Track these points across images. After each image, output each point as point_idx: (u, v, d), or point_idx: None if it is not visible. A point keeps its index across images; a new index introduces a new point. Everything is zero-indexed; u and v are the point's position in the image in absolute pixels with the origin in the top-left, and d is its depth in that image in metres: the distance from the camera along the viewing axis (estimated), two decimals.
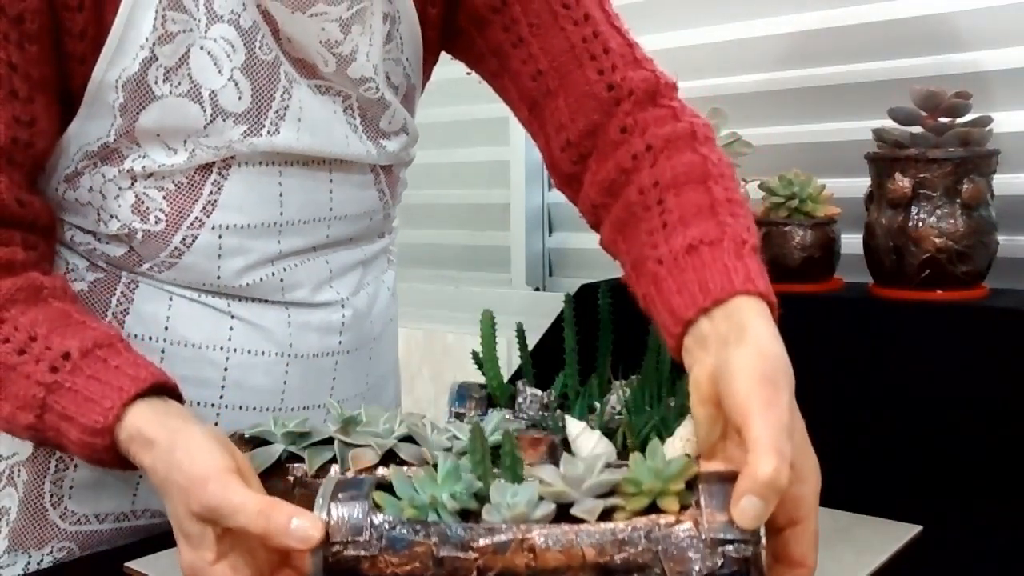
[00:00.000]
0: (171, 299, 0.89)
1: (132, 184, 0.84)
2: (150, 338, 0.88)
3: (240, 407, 0.91)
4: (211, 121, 0.83)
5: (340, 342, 0.96)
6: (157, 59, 0.81)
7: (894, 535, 0.83)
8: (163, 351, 0.88)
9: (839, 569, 0.77)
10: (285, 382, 0.93)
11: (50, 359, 0.75)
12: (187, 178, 0.85)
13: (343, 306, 0.96)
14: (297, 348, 0.93)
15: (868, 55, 1.34)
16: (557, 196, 1.71)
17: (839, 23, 1.35)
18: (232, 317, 0.90)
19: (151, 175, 0.84)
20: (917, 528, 0.85)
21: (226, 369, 0.90)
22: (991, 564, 0.82)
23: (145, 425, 0.72)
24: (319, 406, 0.95)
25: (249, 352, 0.91)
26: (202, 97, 0.83)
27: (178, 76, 0.82)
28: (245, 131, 0.85)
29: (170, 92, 0.82)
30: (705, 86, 1.47)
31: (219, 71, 0.83)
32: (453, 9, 0.95)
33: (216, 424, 0.90)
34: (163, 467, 0.70)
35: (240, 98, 0.84)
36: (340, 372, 0.97)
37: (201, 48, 0.82)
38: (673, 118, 0.87)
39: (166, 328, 0.88)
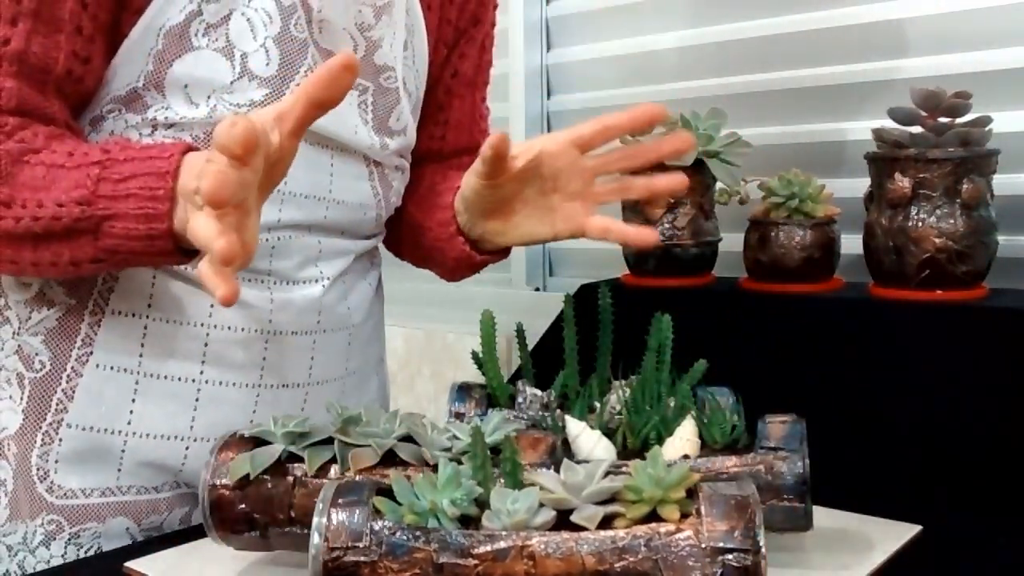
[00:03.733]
0: (155, 276, 0.91)
1: (152, 132, 0.89)
2: (133, 315, 0.91)
3: (220, 383, 0.93)
4: (238, 78, 0.88)
5: (319, 321, 0.99)
6: (202, 14, 0.87)
7: (894, 535, 0.84)
8: (146, 327, 0.91)
9: (839, 569, 0.77)
10: (264, 358, 0.95)
11: (99, 148, 0.81)
12: (204, 133, 0.89)
13: (324, 285, 0.99)
14: (277, 325, 0.95)
15: (868, 55, 1.33)
16: None
17: (839, 23, 1.35)
18: None
19: (172, 126, 0.88)
20: (917, 528, 0.85)
21: (206, 344, 0.92)
22: (991, 564, 0.82)
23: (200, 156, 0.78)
24: (299, 385, 0.98)
25: (229, 328, 0.93)
26: (234, 56, 0.88)
27: (217, 33, 0.87)
28: (267, 94, 0.89)
29: (207, 45, 0.87)
30: (705, 86, 1.47)
31: (254, 37, 0.89)
32: (447, 70, 1.11)
33: (197, 400, 0.93)
34: None
35: (268, 64, 0.89)
36: (318, 351, 1.00)
37: (242, 14, 0.88)
38: None
39: (149, 305, 0.91)
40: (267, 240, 0.93)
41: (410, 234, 1.11)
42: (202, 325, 0.92)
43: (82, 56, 0.85)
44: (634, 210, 1.28)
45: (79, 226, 0.79)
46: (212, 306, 0.92)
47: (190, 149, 0.80)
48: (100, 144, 0.83)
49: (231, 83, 0.88)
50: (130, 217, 0.78)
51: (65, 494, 0.90)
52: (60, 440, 0.90)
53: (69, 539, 0.90)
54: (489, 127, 1.19)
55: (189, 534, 0.89)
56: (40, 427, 0.90)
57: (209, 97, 0.88)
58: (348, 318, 1.03)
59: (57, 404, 0.90)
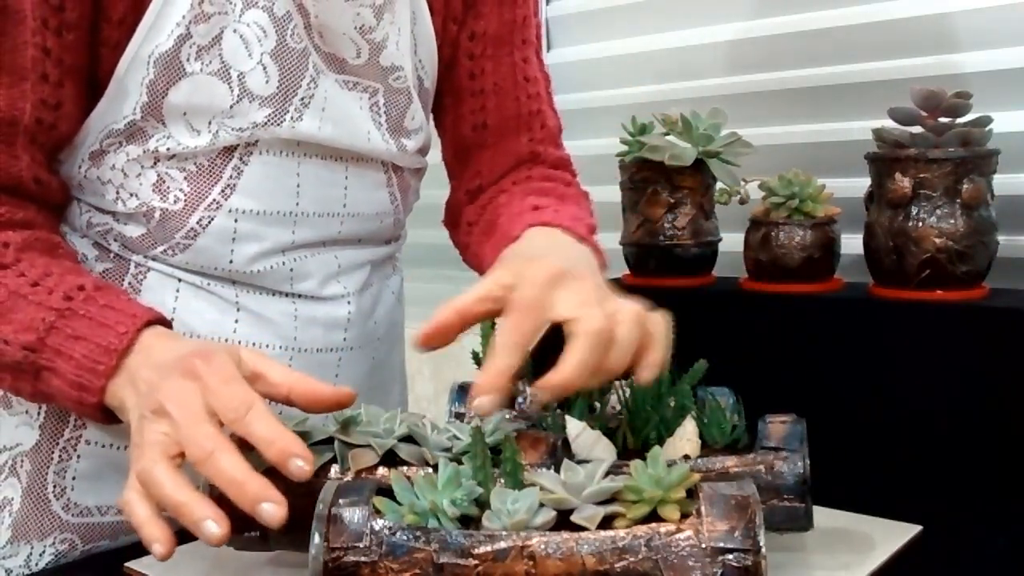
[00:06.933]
0: (178, 290, 0.90)
1: (155, 164, 0.86)
2: None
3: None
4: (237, 101, 0.85)
5: (344, 339, 0.97)
6: (191, 37, 0.83)
7: (894, 535, 0.84)
8: None
9: (839, 569, 0.77)
10: None
11: (64, 289, 0.79)
12: (208, 160, 0.87)
13: (349, 302, 0.97)
14: (302, 342, 0.94)
15: (868, 55, 1.33)
16: None
17: (839, 23, 1.35)
18: (238, 309, 0.91)
19: (174, 156, 0.86)
20: (917, 528, 0.85)
21: None
22: (991, 564, 0.82)
23: (157, 340, 0.76)
24: None
25: (253, 344, 0.91)
26: (231, 77, 0.85)
27: (210, 55, 0.84)
28: (269, 115, 0.87)
29: (201, 70, 0.84)
30: (705, 86, 1.47)
31: (249, 54, 0.85)
32: (463, 33, 1.04)
33: None
34: (198, 343, 0.75)
35: (267, 82, 0.86)
36: (343, 369, 0.98)
37: (234, 31, 0.85)
38: (564, 183, 1.07)
39: (172, 319, 0.88)
40: (284, 263, 0.92)
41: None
42: (225, 341, 0.90)
43: (52, 103, 0.82)
44: (634, 210, 1.28)
45: (20, 366, 0.78)
46: (236, 321, 0.91)
47: (154, 321, 0.78)
48: (74, 281, 0.80)
49: (231, 107, 0.85)
50: (66, 379, 0.76)
51: (81, 512, 0.89)
52: (78, 457, 0.89)
53: (80, 556, 0.89)
54: (543, 93, 1.08)
55: (189, 534, 0.88)
56: (58, 443, 0.88)
57: (210, 123, 0.85)
58: (374, 333, 1.02)
59: (76, 420, 0.88)
